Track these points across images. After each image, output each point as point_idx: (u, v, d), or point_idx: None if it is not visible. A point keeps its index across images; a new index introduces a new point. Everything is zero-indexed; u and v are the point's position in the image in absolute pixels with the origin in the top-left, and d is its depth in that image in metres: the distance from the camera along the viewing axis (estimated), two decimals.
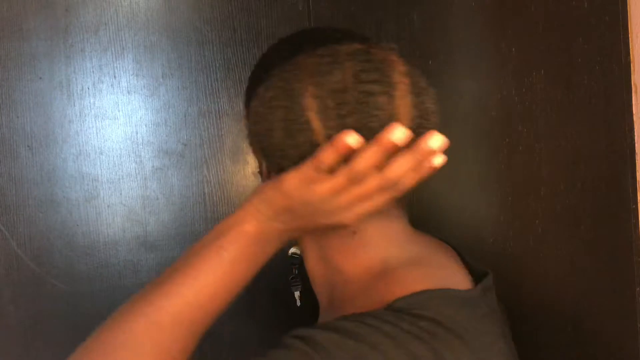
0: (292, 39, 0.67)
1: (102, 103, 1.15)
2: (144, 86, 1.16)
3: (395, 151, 0.53)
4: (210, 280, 0.61)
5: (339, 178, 0.54)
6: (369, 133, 0.54)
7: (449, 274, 0.65)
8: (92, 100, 1.14)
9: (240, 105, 1.18)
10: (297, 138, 0.56)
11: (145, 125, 1.16)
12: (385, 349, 0.53)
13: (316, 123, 0.55)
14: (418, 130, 0.56)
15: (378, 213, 0.60)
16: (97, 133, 1.15)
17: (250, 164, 1.20)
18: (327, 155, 0.53)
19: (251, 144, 0.65)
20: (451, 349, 0.55)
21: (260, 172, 0.69)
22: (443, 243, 0.75)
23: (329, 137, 0.54)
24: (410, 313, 0.56)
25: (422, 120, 0.59)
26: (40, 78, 1.13)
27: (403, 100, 0.57)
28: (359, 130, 0.53)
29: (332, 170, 0.54)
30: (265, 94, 0.59)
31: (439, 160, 0.55)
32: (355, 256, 0.66)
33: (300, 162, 0.55)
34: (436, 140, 0.53)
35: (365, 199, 0.56)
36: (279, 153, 0.59)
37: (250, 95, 0.65)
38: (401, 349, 0.53)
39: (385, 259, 0.65)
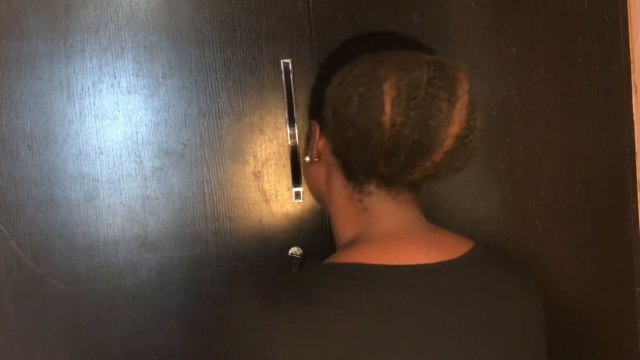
0: (381, 36, 0.79)
1: (102, 103, 1.15)
2: (144, 86, 1.16)
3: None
4: None
5: None
6: (426, 129, 0.66)
7: (385, 252, 0.72)
8: (92, 100, 1.14)
9: (240, 105, 1.19)
10: (368, 112, 0.67)
11: (145, 125, 1.16)
12: (257, 294, 0.66)
13: (388, 106, 0.66)
14: (463, 140, 0.68)
15: (391, 196, 0.74)
16: (97, 133, 1.15)
17: (250, 163, 1.20)
18: None
19: (316, 111, 0.77)
20: (274, 312, 0.65)
21: (308, 139, 0.81)
22: (458, 237, 0.78)
23: (393, 121, 0.65)
24: (304, 275, 0.71)
25: (468, 132, 0.69)
26: (40, 78, 1.13)
27: (460, 111, 0.67)
28: (418, 123, 0.66)
29: None
30: (352, 71, 0.70)
31: None
32: (358, 227, 0.76)
33: (364, 133, 0.67)
34: None
35: None
36: (348, 121, 0.69)
37: (327, 70, 0.76)
38: (259, 297, 0.66)
39: (366, 234, 0.75)
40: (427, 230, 0.77)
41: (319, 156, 0.79)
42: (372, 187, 0.76)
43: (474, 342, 0.69)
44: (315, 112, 0.78)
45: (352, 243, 0.76)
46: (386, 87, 0.66)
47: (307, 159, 0.80)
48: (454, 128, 0.67)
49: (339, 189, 0.78)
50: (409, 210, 0.77)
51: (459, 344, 0.68)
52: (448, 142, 0.67)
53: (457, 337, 0.68)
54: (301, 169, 0.91)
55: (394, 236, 0.74)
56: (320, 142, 0.78)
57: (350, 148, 0.72)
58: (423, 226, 0.77)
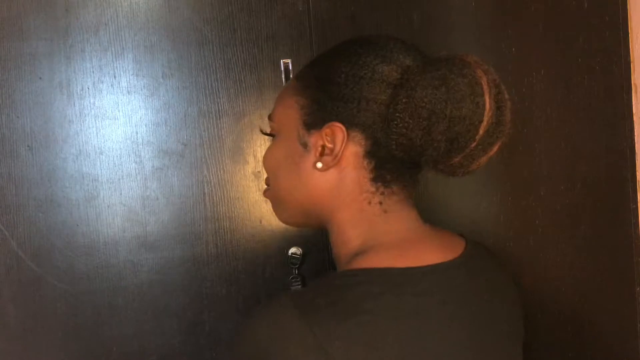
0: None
1: (102, 103, 1.15)
2: (144, 86, 1.16)
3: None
4: None
5: None
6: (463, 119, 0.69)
7: (408, 254, 0.73)
8: (92, 100, 1.14)
9: (240, 105, 1.19)
10: (478, 110, 0.69)
11: (145, 125, 1.16)
12: (270, 314, 0.66)
13: (487, 100, 0.69)
14: (489, 132, 0.70)
15: (407, 196, 0.75)
16: (97, 133, 1.15)
17: (250, 163, 1.20)
18: None
19: (342, 114, 0.74)
20: (322, 325, 0.64)
21: (304, 146, 0.77)
22: (452, 234, 0.80)
23: (490, 114, 0.69)
24: (327, 286, 0.68)
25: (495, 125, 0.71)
26: (40, 78, 1.13)
27: (491, 107, 0.70)
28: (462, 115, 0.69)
29: None
30: (441, 71, 0.70)
31: None
32: (369, 233, 0.75)
33: (463, 126, 0.69)
34: None
35: None
36: (442, 116, 0.69)
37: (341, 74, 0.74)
38: (281, 316, 0.65)
39: (374, 239, 0.74)
40: (430, 229, 0.78)
41: (338, 162, 0.74)
42: (396, 187, 0.75)
43: (487, 336, 0.71)
44: (340, 115, 0.73)
45: (368, 249, 0.73)
46: (484, 86, 0.69)
47: (320, 165, 0.75)
48: (486, 118, 0.70)
49: (354, 195, 0.75)
50: (415, 211, 0.78)
51: (479, 341, 0.70)
52: (481, 132, 0.70)
53: (476, 334, 0.70)
54: (280, 182, 0.80)
55: (410, 237, 0.74)
56: (347, 147, 0.73)
57: (430, 143, 0.70)
58: (424, 225, 0.78)
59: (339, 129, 0.73)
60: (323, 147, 0.74)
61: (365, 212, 0.75)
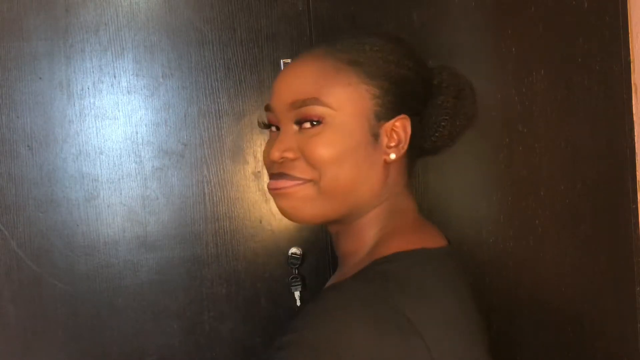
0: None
1: (102, 103, 1.15)
2: (144, 86, 1.16)
3: None
4: None
5: None
6: None
7: (426, 236, 0.77)
8: (92, 100, 1.14)
9: (240, 105, 1.19)
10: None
11: (145, 125, 1.16)
12: (354, 310, 0.64)
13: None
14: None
15: (408, 186, 0.79)
16: (97, 133, 1.15)
17: (250, 163, 1.20)
18: None
19: (410, 105, 0.79)
20: (411, 308, 0.65)
21: (375, 136, 0.78)
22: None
23: None
24: (381, 274, 0.68)
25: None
26: (40, 78, 1.13)
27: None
28: None
29: None
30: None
31: None
32: (396, 220, 0.78)
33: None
34: None
35: None
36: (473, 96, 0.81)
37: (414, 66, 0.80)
38: (368, 308, 0.64)
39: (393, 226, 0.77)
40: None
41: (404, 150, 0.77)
42: (416, 167, 0.81)
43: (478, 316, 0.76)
44: (408, 106, 0.77)
45: (389, 234, 0.76)
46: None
47: (393, 157, 0.75)
48: None
49: (398, 180, 0.78)
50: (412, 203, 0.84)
51: (480, 325, 0.74)
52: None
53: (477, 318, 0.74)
54: (345, 173, 0.75)
55: (420, 220, 0.79)
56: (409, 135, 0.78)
57: (455, 134, 0.80)
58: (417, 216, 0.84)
59: (408, 122, 0.75)
60: (376, 138, 0.75)
61: (398, 199, 0.78)
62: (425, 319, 0.64)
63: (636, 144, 0.65)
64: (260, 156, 1.19)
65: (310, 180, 0.74)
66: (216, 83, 1.18)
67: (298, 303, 1.19)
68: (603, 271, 0.72)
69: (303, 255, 1.21)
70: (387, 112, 0.76)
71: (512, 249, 0.90)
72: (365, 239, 0.77)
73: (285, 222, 1.21)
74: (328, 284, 0.91)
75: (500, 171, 0.91)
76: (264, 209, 1.20)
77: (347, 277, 0.71)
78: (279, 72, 0.80)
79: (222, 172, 1.19)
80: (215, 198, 1.18)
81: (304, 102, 0.74)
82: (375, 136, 0.75)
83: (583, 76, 0.73)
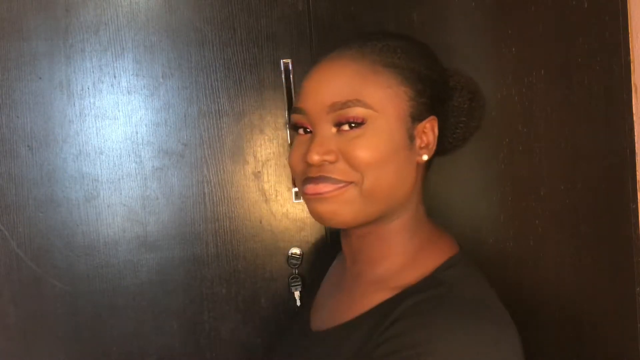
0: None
1: (102, 103, 1.15)
2: (144, 86, 1.16)
3: None
4: None
5: None
6: None
7: (450, 239, 0.82)
8: (92, 100, 1.14)
9: (240, 105, 1.19)
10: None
11: (145, 125, 1.16)
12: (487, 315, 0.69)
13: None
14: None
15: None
16: (97, 133, 1.15)
17: (250, 163, 1.20)
18: None
19: (437, 106, 0.81)
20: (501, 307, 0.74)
21: (409, 138, 0.78)
22: None
23: None
24: (459, 279, 0.73)
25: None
26: (40, 78, 1.13)
27: None
28: None
29: None
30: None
31: None
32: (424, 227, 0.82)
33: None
34: None
35: None
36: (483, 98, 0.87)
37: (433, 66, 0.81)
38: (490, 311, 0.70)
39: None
40: None
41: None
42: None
43: None
44: (435, 108, 0.78)
45: (426, 241, 0.79)
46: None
47: (426, 158, 0.77)
48: None
49: (420, 182, 0.80)
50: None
51: None
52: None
53: None
54: (387, 176, 0.73)
55: (434, 223, 0.84)
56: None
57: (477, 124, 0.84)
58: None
59: (436, 123, 0.78)
60: (411, 139, 0.75)
61: (419, 207, 0.81)
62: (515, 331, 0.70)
63: (636, 144, 0.65)
64: (260, 156, 1.19)
65: (351, 183, 0.72)
66: (216, 83, 1.18)
67: (298, 303, 1.20)
68: (603, 271, 0.72)
69: (303, 255, 1.21)
70: (420, 113, 0.76)
71: (512, 249, 0.90)
72: (398, 246, 0.77)
73: (285, 222, 1.21)
74: (327, 283, 0.91)
75: (500, 171, 0.91)
76: (264, 209, 1.20)
77: (390, 283, 0.75)
78: (310, 74, 0.77)
79: (222, 172, 1.19)
80: (215, 198, 1.18)
81: (345, 104, 0.72)
82: (411, 138, 0.76)
83: (583, 76, 0.73)
